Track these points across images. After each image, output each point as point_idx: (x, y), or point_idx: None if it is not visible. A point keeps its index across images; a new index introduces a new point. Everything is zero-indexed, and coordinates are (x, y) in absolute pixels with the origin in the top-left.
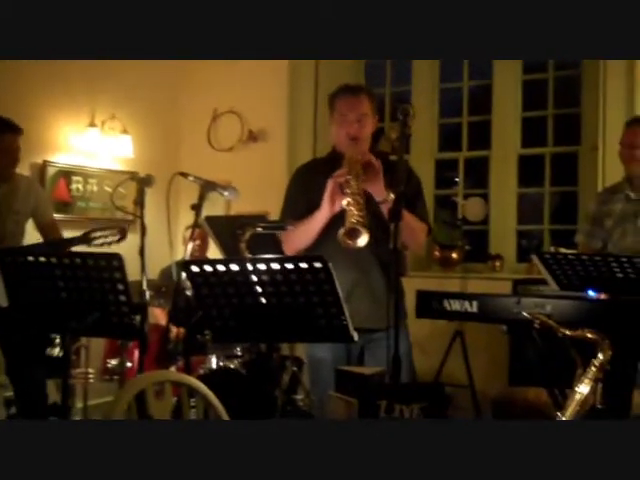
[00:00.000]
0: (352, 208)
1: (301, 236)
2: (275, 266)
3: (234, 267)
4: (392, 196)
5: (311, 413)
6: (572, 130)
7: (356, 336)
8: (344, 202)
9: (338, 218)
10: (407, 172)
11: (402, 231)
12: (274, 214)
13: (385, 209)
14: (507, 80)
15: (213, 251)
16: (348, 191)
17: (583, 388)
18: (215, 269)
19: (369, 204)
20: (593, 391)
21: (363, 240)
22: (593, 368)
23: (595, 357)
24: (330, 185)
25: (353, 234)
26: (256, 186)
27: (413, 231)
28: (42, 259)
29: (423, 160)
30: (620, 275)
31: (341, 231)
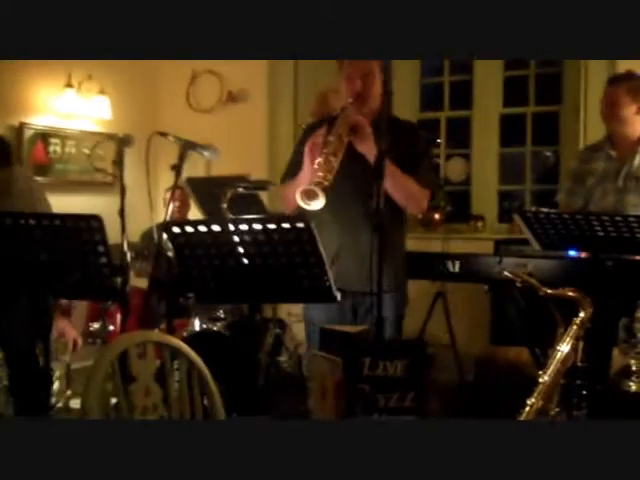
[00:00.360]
0: (319, 169)
1: (293, 194)
2: (257, 227)
3: (216, 228)
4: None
5: (294, 374)
6: (554, 89)
7: (339, 297)
8: (315, 162)
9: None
10: (412, 133)
11: (398, 193)
12: (255, 175)
13: None
14: None
15: (194, 213)
16: (324, 151)
17: (564, 346)
18: (197, 230)
19: (362, 166)
20: (574, 349)
21: (318, 203)
22: (574, 326)
23: (576, 315)
24: (307, 145)
25: (309, 195)
26: (236, 148)
27: (410, 194)
28: (21, 221)
29: None
30: (601, 234)
31: (299, 190)
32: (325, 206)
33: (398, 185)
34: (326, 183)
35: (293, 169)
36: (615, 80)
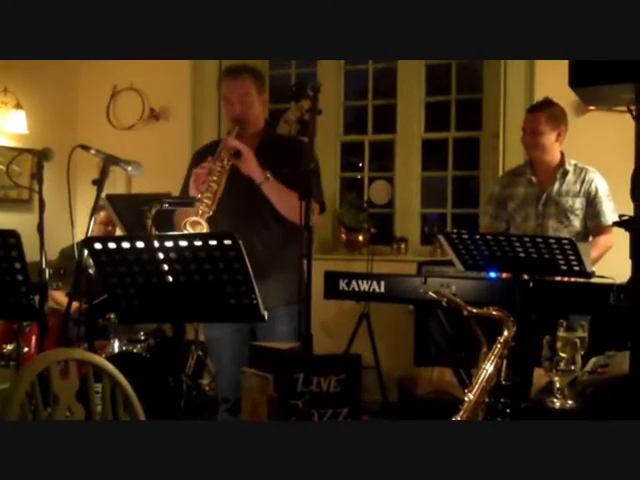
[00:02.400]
0: (203, 198)
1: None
2: (183, 243)
3: (140, 244)
4: (270, 177)
5: (217, 397)
6: (474, 116)
7: (267, 315)
8: (199, 192)
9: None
10: (299, 150)
11: (282, 206)
12: (177, 194)
13: (266, 190)
14: (411, 65)
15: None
16: (208, 178)
17: (488, 365)
18: (120, 246)
19: (250, 186)
20: (498, 367)
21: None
22: (498, 345)
23: (500, 334)
24: (192, 175)
25: (194, 226)
26: (158, 166)
27: (294, 207)
28: None
29: (329, 142)
30: (523, 255)
31: (186, 221)
32: (218, 225)
33: (282, 199)
34: (210, 212)
35: (185, 192)
36: (535, 108)
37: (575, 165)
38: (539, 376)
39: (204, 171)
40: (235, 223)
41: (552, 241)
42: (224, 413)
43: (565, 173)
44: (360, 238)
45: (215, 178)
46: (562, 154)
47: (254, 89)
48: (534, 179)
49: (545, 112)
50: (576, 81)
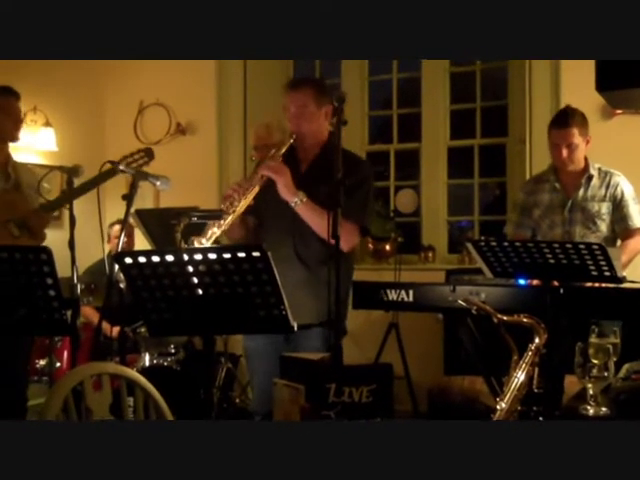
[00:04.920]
0: (216, 223)
1: (230, 231)
2: (212, 256)
3: (169, 258)
4: (303, 199)
5: (248, 409)
6: (500, 122)
7: (296, 326)
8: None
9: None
10: (352, 165)
11: (318, 228)
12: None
13: (299, 211)
14: (435, 73)
15: (141, 246)
16: (232, 199)
17: (520, 373)
18: (150, 260)
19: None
20: (530, 375)
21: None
22: (530, 352)
23: (531, 342)
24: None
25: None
26: (186, 180)
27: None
28: None
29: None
30: (552, 261)
31: (193, 238)
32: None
33: (314, 221)
34: (218, 233)
35: None
36: (564, 123)
37: (599, 169)
38: (571, 383)
39: (231, 192)
40: (277, 238)
41: (582, 246)
42: None
43: (590, 178)
44: (387, 247)
45: (242, 197)
46: (586, 159)
47: (312, 102)
48: (558, 185)
49: (576, 124)
50: (603, 85)
